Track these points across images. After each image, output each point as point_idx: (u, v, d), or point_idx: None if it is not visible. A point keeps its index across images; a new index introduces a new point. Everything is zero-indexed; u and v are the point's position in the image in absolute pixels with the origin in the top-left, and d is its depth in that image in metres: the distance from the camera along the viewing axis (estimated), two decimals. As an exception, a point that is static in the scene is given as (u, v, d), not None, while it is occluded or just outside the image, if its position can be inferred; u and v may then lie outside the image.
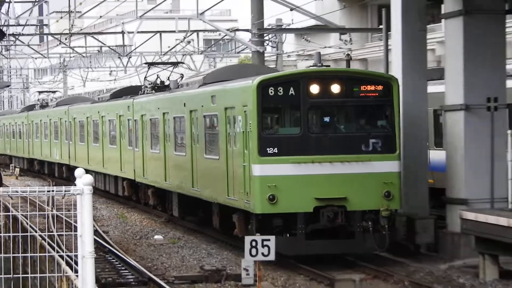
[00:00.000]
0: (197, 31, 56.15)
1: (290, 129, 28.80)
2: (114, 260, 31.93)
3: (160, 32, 55.62)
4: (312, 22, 48.97)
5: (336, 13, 50.92)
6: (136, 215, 46.43)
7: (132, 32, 53.40)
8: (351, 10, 53.45)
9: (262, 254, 24.96)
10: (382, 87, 27.84)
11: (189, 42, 58.72)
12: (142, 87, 49.25)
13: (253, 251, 25.50)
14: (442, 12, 35.44)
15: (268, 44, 51.25)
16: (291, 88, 27.60)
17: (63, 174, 61.09)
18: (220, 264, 30.14)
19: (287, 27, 51.73)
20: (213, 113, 32.47)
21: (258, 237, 26.04)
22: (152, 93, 46.57)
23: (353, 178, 26.82)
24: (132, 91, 49.98)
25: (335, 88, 27.24)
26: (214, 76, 36.19)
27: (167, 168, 39.76)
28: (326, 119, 28.70)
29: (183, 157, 37.50)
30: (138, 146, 45.14)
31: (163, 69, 50.25)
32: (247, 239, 26.35)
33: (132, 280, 28.65)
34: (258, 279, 25.30)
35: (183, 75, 50.28)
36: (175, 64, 50.85)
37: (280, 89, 27.39)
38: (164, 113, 40.03)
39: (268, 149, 27.33)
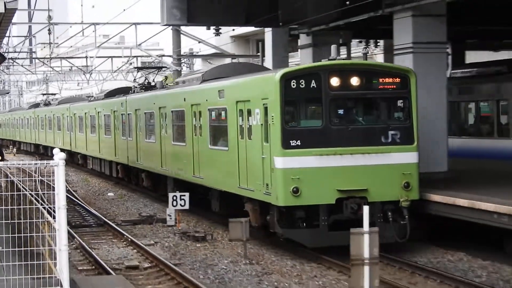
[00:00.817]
0: (136, 56, 55.80)
1: (312, 122, 22.31)
2: (80, 210, 31.97)
3: (112, 57, 54.80)
4: (213, 50, 48.22)
5: (229, 44, 50.47)
6: (96, 179, 46.09)
7: (92, 57, 53.68)
8: (239, 42, 53.38)
9: (180, 205, 26.28)
10: (399, 79, 21.95)
11: (131, 63, 57.56)
12: (132, 87, 42.55)
13: (174, 203, 26.39)
14: (299, 44, 34.36)
15: (183, 65, 49.90)
16: (313, 81, 21.22)
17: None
18: (152, 212, 30.58)
19: (196, 53, 50.18)
20: (221, 107, 25.98)
21: (177, 193, 26.75)
22: (142, 91, 39.63)
23: (374, 170, 21.24)
24: (123, 91, 44.00)
25: (355, 81, 21.34)
26: (212, 74, 29.15)
27: (163, 156, 32.69)
28: (347, 111, 22.36)
29: (182, 146, 30.33)
30: (131, 136, 38.20)
31: (149, 73, 44.01)
32: (170, 195, 27.45)
33: (93, 223, 29.49)
34: (178, 221, 25.92)
35: (167, 77, 43.94)
36: (159, 68, 45.23)
37: (302, 82, 21.14)
38: (160, 108, 33.05)
39: (291, 141, 20.95)
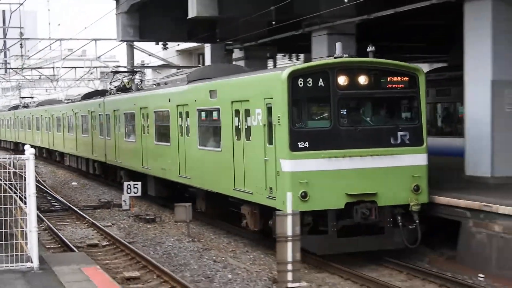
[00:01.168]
0: (96, 67, 55.40)
1: (320, 122, 18.64)
2: (48, 197, 31.45)
3: (75, 67, 54.49)
4: (161, 62, 47.39)
5: (174, 57, 50.17)
6: (62, 171, 45.29)
7: (59, 67, 52.71)
8: (183, 56, 52.91)
9: (134, 192, 25.54)
10: (408, 78, 18.60)
11: (91, 73, 56.81)
12: (109, 89, 38.69)
13: (128, 191, 25.54)
14: (233, 57, 33.88)
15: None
16: (320, 79, 17.69)
17: (43, 154, 54.04)
18: (110, 198, 30.06)
19: (147, 65, 49.13)
20: (212, 107, 21.73)
21: (131, 182, 26.06)
22: (118, 93, 34.99)
23: (383, 172, 17.98)
24: (99, 93, 40.44)
25: (363, 79, 17.95)
26: (197, 75, 24.93)
27: (144, 155, 28.37)
28: (356, 111, 18.97)
29: (166, 146, 26.04)
30: (110, 135, 33.39)
31: (124, 77, 39.02)
32: (125, 184, 26.64)
33: (59, 208, 29.04)
34: (131, 206, 25.62)
35: (142, 80, 39.77)
36: (134, 72, 40.18)
37: (309, 80, 17.66)
38: (141, 108, 28.66)
39: (299, 143, 17.45)
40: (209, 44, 36.19)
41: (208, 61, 36.35)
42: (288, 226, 14.91)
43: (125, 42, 39.62)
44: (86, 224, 24.42)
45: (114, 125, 32.42)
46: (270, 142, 17.57)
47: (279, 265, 15.11)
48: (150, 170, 27.79)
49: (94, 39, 48.05)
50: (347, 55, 18.64)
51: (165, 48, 40.93)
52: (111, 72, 46.39)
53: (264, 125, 17.61)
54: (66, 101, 51.06)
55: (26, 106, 66.14)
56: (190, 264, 17.77)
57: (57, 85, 65.71)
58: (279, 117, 16.97)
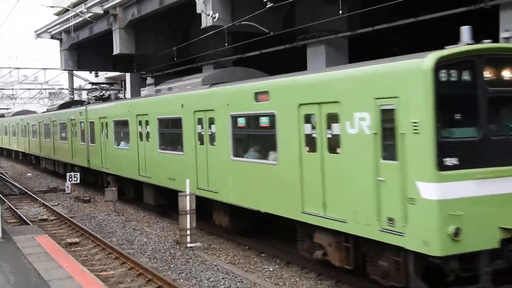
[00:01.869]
0: (45, 89, 53.32)
1: (466, 130, 9.48)
2: (9, 184, 29.90)
3: (29, 89, 52.14)
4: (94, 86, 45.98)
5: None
6: (20, 165, 43.06)
7: (16, 89, 50.48)
8: (110, 81, 50.89)
9: (74, 180, 24.19)
10: None
11: (42, 93, 54.35)
12: (87, 99, 31.04)
13: (70, 179, 24.51)
14: (146, 83, 33.12)
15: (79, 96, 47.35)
16: (465, 71, 9.16)
17: (19, 157, 47.18)
18: (56, 185, 28.86)
19: (83, 87, 46.83)
20: (261, 112, 12.88)
21: (72, 173, 24.82)
22: (100, 102, 27.20)
23: None
24: (75, 103, 32.95)
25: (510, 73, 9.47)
26: (215, 78, 16.59)
27: (142, 163, 20.13)
28: (508, 115, 9.86)
29: (177, 155, 17.34)
30: (94, 142, 24.96)
31: (106, 89, 32.84)
32: (68, 175, 25.51)
33: (17, 192, 27.01)
34: (72, 191, 24.71)
35: (120, 90, 34.97)
36: (111, 84, 36.27)
37: (453, 73, 9.05)
38: (138, 115, 20.41)
39: (447, 159, 8.91)
40: (129, 73, 35.42)
41: (128, 86, 35.76)
42: (187, 204, 14.85)
43: (67, 71, 38.33)
44: (38, 204, 23.48)
45: (100, 132, 24.26)
46: (390, 157, 9.63)
47: (181, 231, 15.06)
48: (150, 179, 19.16)
49: (43, 68, 46.46)
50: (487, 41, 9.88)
51: (96, 75, 40.10)
52: (90, 83, 38.27)
53: (375, 133, 9.86)
54: (41, 112, 43.06)
55: (1, 116, 58.33)
56: (116, 232, 17.42)
57: (15, 102, 62.54)
58: (415, 123, 9.20)
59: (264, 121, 12.99)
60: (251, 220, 15.03)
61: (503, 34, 12.21)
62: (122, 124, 21.90)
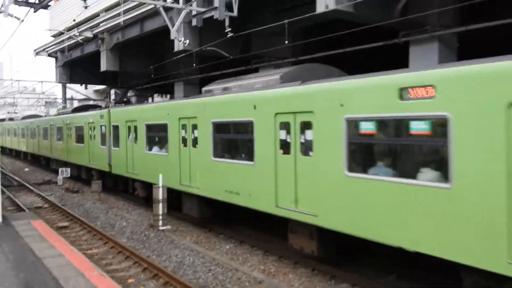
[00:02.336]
0: (42, 98, 51.98)
1: None
2: (9, 178, 28.85)
3: (28, 98, 51.51)
4: (83, 96, 44.60)
5: (92, 94, 47.47)
6: (18, 162, 41.87)
7: (17, 97, 49.70)
8: (97, 93, 49.87)
9: (65, 174, 23.65)
10: None
11: (39, 101, 52.83)
12: (106, 103, 24.93)
13: (61, 173, 23.64)
14: (127, 95, 32.52)
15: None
16: None
17: (28, 158, 41.36)
18: (50, 178, 27.97)
19: (75, 98, 45.47)
20: (396, 115, 7.36)
21: (63, 168, 24.21)
22: (121, 105, 22.57)
23: None
24: (91, 107, 28.22)
25: None
26: (294, 76, 11.10)
27: (186, 171, 14.28)
28: None
29: (245, 165, 11.35)
30: (118, 146, 19.46)
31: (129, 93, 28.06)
32: (60, 169, 24.77)
33: (16, 184, 25.94)
34: (63, 183, 23.80)
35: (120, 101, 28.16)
36: (128, 89, 28.54)
37: None
38: (181, 118, 14.41)
39: None
40: (113, 88, 35.06)
41: (113, 97, 35.28)
42: (160, 194, 14.77)
43: (61, 83, 37.47)
44: (34, 194, 22.86)
45: (126, 136, 18.83)
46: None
47: (154, 216, 14.94)
48: (198, 189, 13.72)
49: (41, 81, 45.42)
50: None
51: (86, 87, 39.40)
52: (108, 87, 31.44)
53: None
54: (51, 115, 37.29)
55: (11, 119, 51.77)
56: (100, 217, 17.15)
57: (16, 109, 60.73)
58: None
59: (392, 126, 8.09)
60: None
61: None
62: (157, 128, 16.39)
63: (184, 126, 14.58)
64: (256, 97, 11.33)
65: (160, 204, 14.74)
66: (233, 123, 12.35)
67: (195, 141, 13.98)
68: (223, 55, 18.09)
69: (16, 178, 28.77)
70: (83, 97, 42.89)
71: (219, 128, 12.82)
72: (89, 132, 23.43)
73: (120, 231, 14.93)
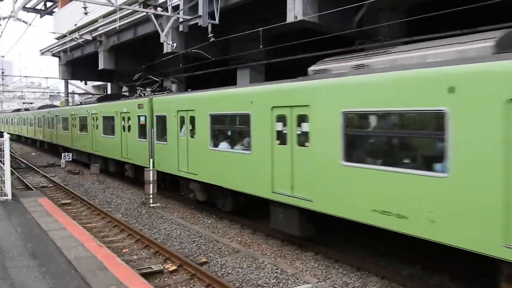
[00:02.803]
0: (47, 92, 50.16)
1: None
2: (18, 161, 27.85)
3: (34, 91, 49.82)
4: (83, 91, 43.19)
5: (91, 89, 45.95)
6: (26, 148, 40.30)
7: (25, 91, 47.63)
8: (96, 88, 48.49)
9: (67, 158, 22.76)
10: None
11: (44, 95, 51.22)
12: (138, 91, 18.34)
13: (63, 157, 22.92)
14: (122, 91, 31.77)
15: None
16: None
17: (44, 146, 35.07)
18: (54, 162, 27.19)
19: (76, 92, 43.89)
20: None
21: (66, 153, 23.59)
22: (163, 93, 16.32)
23: None
24: (118, 97, 22.13)
25: None
26: None
27: (280, 175, 9.05)
28: None
29: (391, 173, 6.60)
30: (166, 139, 13.98)
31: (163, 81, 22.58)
32: (62, 154, 23.76)
33: (24, 166, 25.18)
34: (66, 166, 23.19)
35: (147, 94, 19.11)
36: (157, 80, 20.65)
37: None
38: (275, 107, 9.05)
39: None
40: (109, 83, 34.00)
41: (109, 92, 34.39)
42: (150, 176, 14.45)
43: (63, 79, 36.32)
44: (40, 175, 22.05)
45: (177, 129, 13.45)
46: None
47: (146, 195, 14.62)
48: (302, 201, 8.71)
49: (46, 77, 43.96)
50: None
51: (85, 83, 38.39)
52: (151, 77, 23.11)
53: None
54: (79, 103, 29.83)
55: (27, 109, 44.57)
56: (98, 196, 16.64)
57: (23, 101, 58.59)
58: None
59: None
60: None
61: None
62: (229, 120, 11.25)
63: (282, 119, 9.14)
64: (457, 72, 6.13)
65: (151, 185, 14.44)
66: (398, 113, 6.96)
67: (304, 137, 8.68)
68: (206, 57, 17.77)
69: (24, 161, 27.77)
70: (83, 91, 41.73)
71: (353, 119, 7.75)
72: (121, 123, 17.95)
73: (115, 208, 14.51)
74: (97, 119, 20.77)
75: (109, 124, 19.28)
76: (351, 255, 9.10)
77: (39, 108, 38.39)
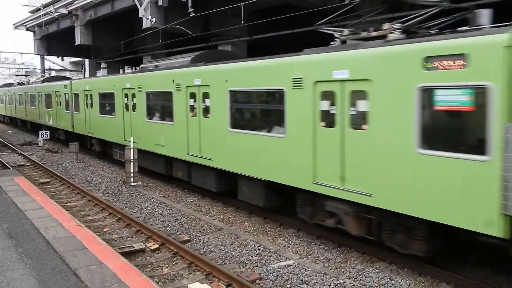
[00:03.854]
0: (22, 68, 48.30)
1: None
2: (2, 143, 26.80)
3: (9, 68, 47.58)
4: (60, 67, 41.97)
5: (68, 65, 44.67)
6: (3, 126, 38.88)
7: (-2, 67, 45.48)
8: (73, 64, 47.18)
9: (45, 136, 22.12)
10: None
11: (19, 71, 49.48)
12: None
13: (41, 135, 22.37)
14: (101, 67, 30.97)
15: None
16: None
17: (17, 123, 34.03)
18: (31, 140, 26.45)
19: (52, 68, 42.55)
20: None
21: (43, 131, 22.96)
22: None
23: None
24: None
25: None
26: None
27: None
28: None
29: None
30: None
31: None
32: (40, 132, 23.17)
33: (1, 145, 23.91)
34: (43, 144, 22.33)
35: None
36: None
37: None
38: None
39: None
40: (87, 59, 33.08)
41: (87, 69, 33.47)
42: (131, 154, 14.21)
43: (39, 55, 35.18)
44: (17, 154, 21.46)
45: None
46: None
47: (126, 174, 14.39)
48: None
49: (20, 53, 42.52)
50: None
51: (62, 59, 37.26)
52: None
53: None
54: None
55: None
56: (78, 174, 16.31)
57: (-1, 78, 55.75)
58: None
59: None
60: None
61: None
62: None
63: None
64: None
65: (132, 163, 14.22)
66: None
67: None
68: (186, 33, 17.33)
69: (1, 139, 26.94)
70: (60, 67, 40.56)
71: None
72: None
73: (96, 187, 14.28)
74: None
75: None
76: (332, 232, 9.16)
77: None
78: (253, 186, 9.77)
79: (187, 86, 11.39)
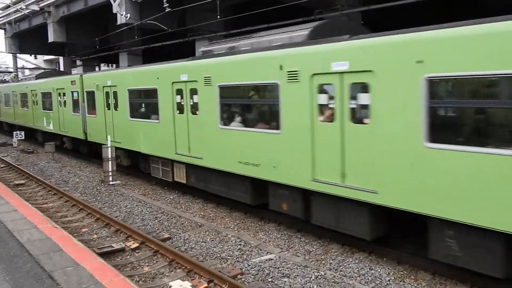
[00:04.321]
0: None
1: None
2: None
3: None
4: (33, 65, 40.95)
5: (42, 63, 43.56)
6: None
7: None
8: (47, 63, 46.05)
9: (20, 137, 21.50)
10: None
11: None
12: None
13: (16, 136, 21.88)
14: (77, 65, 30.36)
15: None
16: None
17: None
18: (5, 140, 25.67)
19: (25, 67, 41.55)
20: None
21: (18, 132, 22.51)
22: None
23: None
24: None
25: None
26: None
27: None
28: None
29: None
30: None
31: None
32: (14, 133, 22.63)
33: None
34: (18, 145, 21.93)
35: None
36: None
37: None
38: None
39: None
40: (61, 57, 32.38)
41: (62, 67, 32.71)
42: (109, 153, 13.99)
43: (11, 54, 34.23)
44: (-10, 156, 21.11)
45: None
46: None
47: (105, 173, 14.19)
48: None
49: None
50: None
51: (35, 57, 36.34)
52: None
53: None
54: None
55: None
56: (54, 175, 16.00)
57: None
58: None
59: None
60: None
61: None
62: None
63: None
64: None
65: (110, 162, 13.99)
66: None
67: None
68: (162, 28, 17.11)
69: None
70: (33, 66, 39.55)
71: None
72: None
73: (73, 187, 14.02)
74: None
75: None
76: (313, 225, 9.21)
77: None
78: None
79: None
